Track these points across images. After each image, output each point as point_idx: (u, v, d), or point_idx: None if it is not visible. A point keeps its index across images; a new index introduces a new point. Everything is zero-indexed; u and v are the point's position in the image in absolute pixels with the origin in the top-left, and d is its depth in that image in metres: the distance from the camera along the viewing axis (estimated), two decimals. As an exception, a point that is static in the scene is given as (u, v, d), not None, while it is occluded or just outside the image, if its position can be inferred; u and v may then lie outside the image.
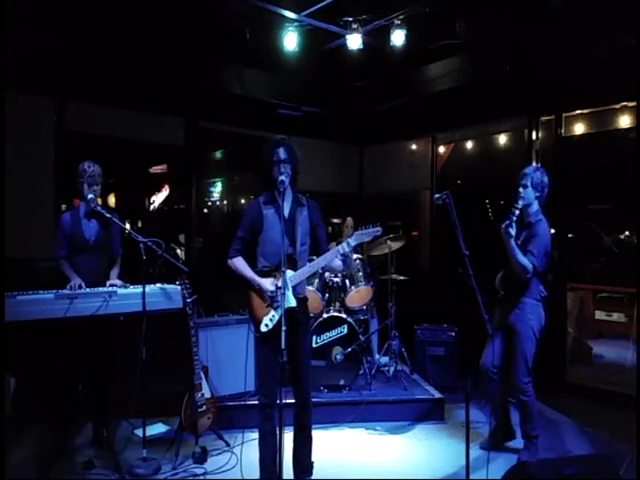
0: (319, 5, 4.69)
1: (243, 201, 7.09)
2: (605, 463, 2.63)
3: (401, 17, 4.86)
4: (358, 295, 4.86)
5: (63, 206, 4.78)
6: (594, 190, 5.26)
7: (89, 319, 3.31)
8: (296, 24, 5.02)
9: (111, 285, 3.61)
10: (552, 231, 3.53)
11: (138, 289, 3.41)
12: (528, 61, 4.93)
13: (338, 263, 3.12)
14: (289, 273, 2.96)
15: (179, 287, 3.65)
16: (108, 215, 3.61)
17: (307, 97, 6.22)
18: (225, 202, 6.79)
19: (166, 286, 3.65)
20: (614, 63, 4.28)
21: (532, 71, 4.97)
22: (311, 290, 4.60)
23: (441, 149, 6.44)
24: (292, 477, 3.15)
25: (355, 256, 4.95)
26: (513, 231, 3.31)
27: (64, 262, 3.67)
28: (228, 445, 3.83)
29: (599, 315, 5.85)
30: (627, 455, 3.04)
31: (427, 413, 4.41)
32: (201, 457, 3.58)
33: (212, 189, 6.61)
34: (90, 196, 3.59)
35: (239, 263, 3.09)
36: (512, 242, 3.33)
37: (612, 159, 5.08)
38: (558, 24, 4.57)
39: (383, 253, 5.22)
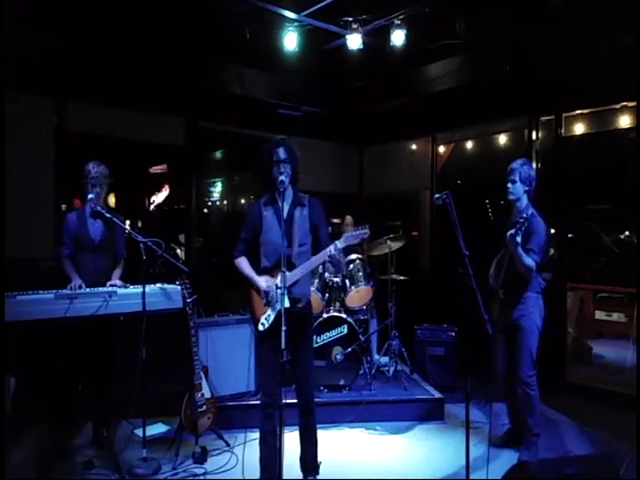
0: (319, 5, 4.69)
1: (243, 201, 7.09)
2: (605, 463, 2.62)
3: (401, 17, 4.86)
4: (358, 295, 4.86)
5: (63, 206, 4.78)
6: (594, 190, 5.26)
7: (89, 319, 3.31)
8: (296, 24, 5.02)
9: (111, 285, 3.61)
10: (544, 223, 3.53)
11: (138, 289, 3.41)
12: (528, 61, 4.93)
13: (344, 262, 3.12)
14: (287, 274, 2.93)
15: (179, 287, 3.66)
16: (108, 215, 3.62)
17: (307, 97, 6.22)
18: (225, 202, 6.79)
19: (166, 286, 3.65)
20: (614, 63, 4.28)
21: (532, 71, 4.97)
22: (311, 290, 4.59)
23: (441, 149, 6.44)
24: (292, 477, 3.15)
25: (355, 256, 4.96)
26: (519, 239, 3.32)
27: (67, 261, 3.68)
28: (228, 445, 3.83)
29: (599, 315, 5.85)
30: (627, 455, 3.04)
31: (427, 413, 4.41)
32: (201, 457, 3.58)
33: (212, 189, 6.61)
34: (90, 196, 3.61)
35: (242, 263, 3.14)
36: (519, 249, 3.35)
37: (612, 159, 5.08)
38: (558, 24, 4.57)
39: (383, 253, 5.22)
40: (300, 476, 3.22)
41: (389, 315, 5.05)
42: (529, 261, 3.40)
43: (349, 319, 4.63)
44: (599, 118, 5.01)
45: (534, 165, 5.29)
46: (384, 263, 5.21)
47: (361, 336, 4.62)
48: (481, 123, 5.85)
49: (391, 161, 6.87)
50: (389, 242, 5.06)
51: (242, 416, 4.14)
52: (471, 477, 2.83)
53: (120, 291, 3.48)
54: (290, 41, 5.08)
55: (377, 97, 6.37)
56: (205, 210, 6.44)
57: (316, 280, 4.77)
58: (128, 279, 3.74)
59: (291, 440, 3.53)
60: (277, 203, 3.02)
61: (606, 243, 5.67)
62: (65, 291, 3.39)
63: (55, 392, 3.66)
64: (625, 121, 4.79)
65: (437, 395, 4.52)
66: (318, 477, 3.21)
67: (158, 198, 5.97)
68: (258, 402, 4.14)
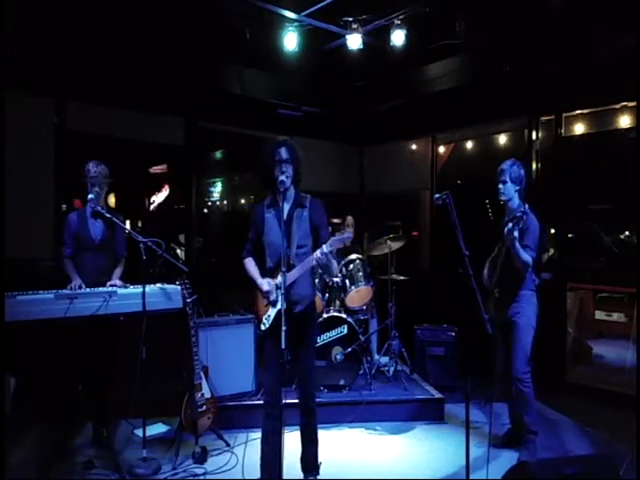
0: (319, 5, 4.68)
1: (243, 201, 7.09)
2: (605, 463, 2.62)
3: (401, 17, 4.86)
4: (358, 295, 4.86)
5: (63, 206, 4.78)
6: (594, 190, 5.26)
7: (89, 319, 3.31)
8: (296, 24, 5.02)
9: (111, 285, 3.61)
10: (537, 220, 3.51)
11: (138, 289, 3.41)
12: (528, 61, 4.93)
13: (336, 266, 3.13)
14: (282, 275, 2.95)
15: (179, 287, 3.66)
16: (108, 215, 3.62)
17: (307, 97, 6.22)
18: (225, 202, 6.79)
19: (166, 286, 3.65)
20: (614, 63, 4.28)
21: (532, 71, 4.97)
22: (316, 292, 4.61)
23: (441, 149, 6.44)
24: (292, 477, 3.15)
25: (355, 256, 4.96)
26: (517, 233, 3.34)
27: (68, 261, 3.69)
28: (228, 445, 3.83)
29: (599, 315, 5.85)
30: (627, 455, 3.04)
31: (427, 413, 4.41)
32: (201, 457, 3.58)
33: (212, 189, 6.61)
34: (90, 196, 3.61)
35: (248, 264, 3.16)
36: (517, 244, 3.37)
37: (612, 159, 5.08)
38: (558, 24, 4.57)
39: (383, 253, 5.22)
40: (300, 476, 3.23)
41: (389, 315, 5.05)
42: (526, 257, 3.41)
43: (349, 319, 4.63)
44: (599, 118, 5.02)
45: (534, 165, 5.30)
46: (384, 263, 5.21)
47: (361, 336, 4.62)
48: (481, 123, 5.85)
49: (391, 161, 6.87)
50: (389, 242, 5.06)
51: (242, 416, 4.14)
52: (471, 477, 2.83)
53: (120, 291, 3.48)
54: (290, 41, 5.07)
55: (377, 97, 6.37)
56: (205, 210, 6.43)
57: (316, 280, 4.77)
58: (128, 279, 3.74)
59: (291, 440, 3.53)
60: (278, 204, 3.01)
61: (606, 243, 5.67)
62: (65, 291, 3.39)
63: (55, 392, 3.66)
64: (625, 121, 4.79)
65: (437, 395, 4.52)
66: (318, 477, 3.21)
67: (158, 198, 5.97)
68: (258, 402, 4.19)
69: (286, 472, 2.73)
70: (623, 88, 4.36)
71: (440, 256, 6.25)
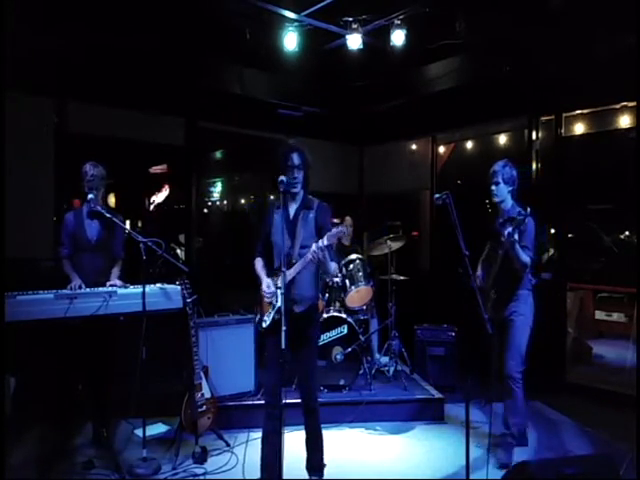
0: (319, 5, 4.68)
1: (243, 201, 7.10)
2: (605, 463, 2.62)
3: (401, 17, 4.86)
4: (358, 295, 4.86)
5: (63, 206, 4.77)
6: (594, 190, 5.26)
7: (89, 319, 3.31)
8: (296, 24, 5.02)
9: (111, 285, 3.61)
10: (533, 220, 3.48)
11: (138, 289, 3.41)
12: (528, 61, 4.93)
13: (334, 266, 3.13)
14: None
15: (179, 287, 3.65)
16: (108, 215, 3.62)
17: (307, 97, 6.22)
18: (225, 202, 6.79)
19: (166, 286, 3.65)
20: (614, 63, 4.28)
21: (532, 71, 4.97)
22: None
23: (441, 149, 6.44)
24: (292, 477, 3.16)
25: (355, 256, 4.96)
26: (516, 236, 3.33)
27: (66, 262, 3.69)
28: (228, 445, 3.83)
29: (599, 315, 5.85)
30: (627, 455, 3.04)
31: (427, 413, 4.41)
32: (201, 457, 3.58)
33: (212, 189, 6.61)
34: (90, 196, 3.61)
35: (257, 264, 3.20)
36: (517, 246, 3.36)
37: (612, 159, 5.08)
38: (558, 24, 4.57)
39: (383, 253, 5.22)
40: (300, 476, 3.23)
41: (389, 315, 5.05)
42: (525, 257, 3.41)
43: (349, 319, 4.63)
44: (599, 118, 5.02)
45: (534, 165, 5.30)
46: (384, 263, 5.21)
47: (361, 336, 4.62)
48: (481, 123, 5.85)
49: (391, 161, 6.87)
50: (389, 242, 5.06)
51: (242, 416, 4.14)
52: (471, 477, 2.83)
53: (120, 291, 3.48)
54: (290, 41, 5.07)
55: (377, 97, 6.37)
56: (205, 210, 6.44)
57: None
58: (128, 279, 3.74)
59: (292, 440, 3.54)
60: (286, 206, 3.09)
61: (606, 243, 5.67)
62: (65, 291, 3.39)
63: (55, 392, 3.66)
64: (625, 121, 4.79)
65: (437, 395, 4.52)
66: (313, 478, 3.21)
67: (158, 198, 5.97)
68: (258, 402, 4.20)
69: (286, 472, 2.73)
70: (623, 88, 4.36)
71: (440, 256, 6.25)
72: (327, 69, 5.97)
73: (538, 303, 3.65)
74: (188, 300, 3.68)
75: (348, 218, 5.45)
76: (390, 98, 6.29)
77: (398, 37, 4.95)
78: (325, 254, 2.91)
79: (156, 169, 6.00)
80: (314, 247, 2.87)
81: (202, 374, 3.74)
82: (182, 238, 5.79)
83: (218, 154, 6.65)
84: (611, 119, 4.91)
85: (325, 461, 3.23)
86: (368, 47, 5.19)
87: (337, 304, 4.86)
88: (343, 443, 3.97)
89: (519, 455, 3.54)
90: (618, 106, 4.79)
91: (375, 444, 4.00)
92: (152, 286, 3.56)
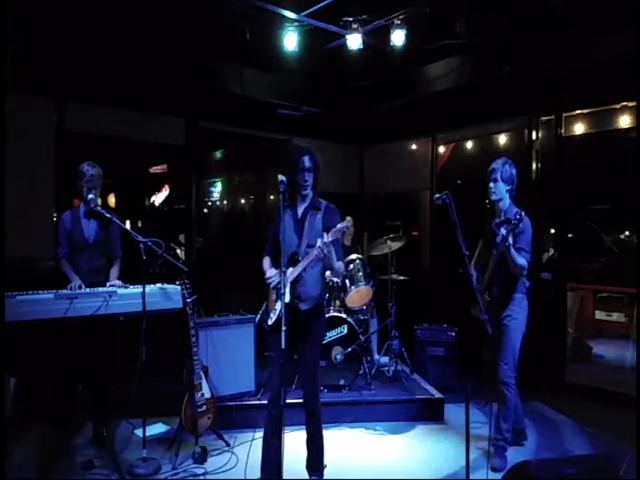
0: (319, 5, 4.68)
1: (243, 201, 7.10)
2: (605, 463, 2.62)
3: (401, 17, 4.86)
4: (358, 295, 4.86)
5: (63, 206, 4.77)
6: (594, 190, 5.26)
7: (89, 319, 3.31)
8: (296, 24, 5.02)
9: (111, 285, 3.61)
10: (530, 221, 3.45)
11: (138, 289, 3.41)
12: (528, 61, 4.93)
13: (340, 265, 3.14)
14: (289, 270, 3.04)
15: (179, 287, 3.66)
16: (108, 215, 3.62)
17: (307, 97, 6.21)
18: (225, 202, 6.79)
19: (166, 286, 3.65)
20: (614, 63, 4.28)
21: (532, 71, 4.97)
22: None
23: (441, 149, 6.44)
24: (293, 477, 3.16)
25: (355, 256, 4.96)
26: (511, 239, 3.29)
27: (65, 262, 3.68)
28: (228, 445, 3.83)
29: (599, 315, 5.85)
30: (627, 455, 3.04)
31: (427, 413, 4.41)
32: (201, 457, 3.58)
33: (212, 189, 6.61)
34: (90, 196, 3.61)
35: (264, 262, 3.24)
36: (512, 250, 3.32)
37: (612, 159, 5.08)
38: (558, 24, 4.56)
39: (383, 253, 5.22)
40: (300, 476, 3.23)
41: (389, 315, 5.05)
42: (521, 260, 3.36)
43: (349, 319, 4.63)
44: (599, 118, 5.01)
45: (534, 165, 5.30)
46: (384, 263, 5.21)
47: (361, 336, 4.62)
48: (481, 123, 5.85)
49: (391, 161, 6.87)
50: (389, 242, 5.06)
51: (242, 416, 4.14)
52: (471, 477, 2.83)
53: (120, 291, 3.48)
54: (290, 41, 5.07)
55: (377, 97, 6.37)
56: (205, 210, 6.44)
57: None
58: (128, 279, 3.73)
59: (292, 440, 3.54)
60: (295, 206, 3.17)
61: (606, 243, 5.67)
62: (65, 291, 3.39)
63: (55, 392, 3.66)
64: (625, 121, 4.79)
65: (437, 395, 4.52)
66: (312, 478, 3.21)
67: (158, 198, 5.97)
68: (258, 402, 4.20)
69: (286, 472, 2.73)
70: (623, 88, 4.35)
71: (440, 256, 6.25)
72: (327, 69, 5.97)
73: (538, 303, 3.64)
74: (188, 300, 3.68)
75: (348, 218, 5.43)
76: (390, 98, 6.29)
77: (398, 37, 4.95)
78: (330, 250, 2.94)
79: (156, 169, 6.00)
80: (319, 243, 2.90)
81: (202, 374, 3.74)
82: (182, 238, 5.79)
83: (218, 154, 6.65)
84: (611, 119, 4.91)
85: (325, 461, 3.24)
86: (368, 47, 5.18)
87: (337, 304, 4.86)
88: (343, 443, 3.97)
89: (519, 455, 3.55)
90: (618, 106, 4.79)
91: (375, 444, 4.00)
92: (152, 286, 3.56)
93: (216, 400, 3.87)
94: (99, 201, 3.80)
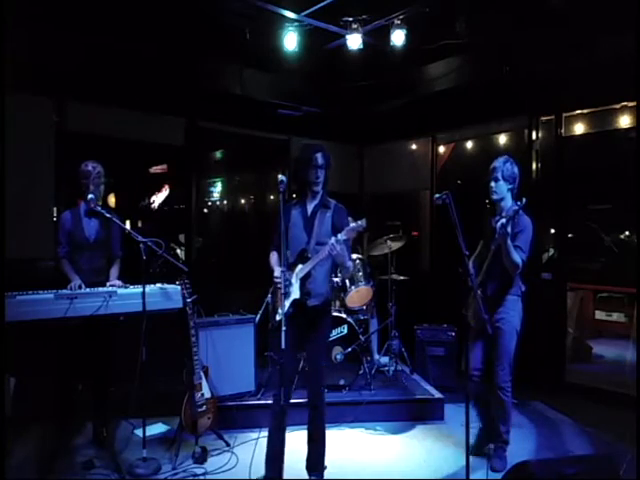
0: (319, 5, 4.68)
1: (243, 201, 7.10)
2: (605, 463, 2.62)
3: (401, 17, 4.86)
4: (358, 295, 4.86)
5: (63, 206, 4.77)
6: (594, 190, 5.26)
7: (89, 319, 3.31)
8: (296, 24, 5.02)
9: (111, 285, 3.61)
10: (531, 221, 3.41)
11: (138, 289, 3.41)
12: (528, 61, 4.93)
13: (349, 262, 3.16)
14: (298, 267, 3.09)
15: (179, 287, 3.66)
16: (108, 215, 3.62)
17: (307, 97, 6.22)
18: (225, 202, 6.80)
19: (166, 286, 3.65)
20: (614, 63, 4.28)
21: (532, 71, 4.97)
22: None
23: (441, 149, 6.44)
24: (293, 477, 3.16)
25: (355, 256, 4.95)
26: (510, 229, 3.25)
27: (65, 261, 3.68)
28: (228, 445, 3.83)
29: (599, 315, 5.85)
30: (627, 455, 3.04)
31: (427, 413, 4.41)
32: (201, 457, 3.58)
33: (212, 189, 6.61)
34: (90, 196, 3.60)
35: (272, 257, 3.27)
36: (509, 241, 3.25)
37: (612, 159, 5.08)
38: (558, 24, 4.57)
39: (383, 253, 5.22)
40: (300, 475, 3.23)
41: (389, 315, 5.05)
42: (517, 258, 3.28)
43: (349, 319, 4.63)
44: (599, 118, 5.01)
45: (534, 165, 5.30)
46: (384, 263, 5.21)
47: (361, 336, 4.62)
48: (481, 123, 5.85)
49: (391, 161, 6.87)
50: (389, 242, 5.06)
51: (242, 416, 4.15)
52: (471, 477, 2.84)
53: (120, 291, 3.48)
54: (290, 41, 5.07)
55: (377, 97, 6.37)
56: (205, 210, 6.44)
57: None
58: (128, 279, 3.73)
59: (293, 440, 3.54)
60: (304, 203, 3.21)
61: (606, 243, 5.67)
62: (65, 291, 3.39)
63: (55, 392, 3.66)
64: (625, 121, 4.79)
65: (437, 395, 4.52)
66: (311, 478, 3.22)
67: (158, 198, 5.98)
68: (258, 402, 4.20)
69: (286, 472, 2.73)
70: (623, 88, 4.35)
71: (440, 256, 6.25)
72: (327, 69, 5.97)
73: (538, 303, 3.63)
74: (188, 300, 3.68)
75: (349, 218, 5.44)
76: (390, 98, 6.29)
77: (398, 37, 4.95)
78: (343, 248, 2.98)
79: (156, 169, 6.00)
80: (332, 240, 2.94)
81: (202, 374, 3.74)
82: (182, 238, 5.80)
83: (218, 154, 6.65)
84: (611, 119, 4.91)
85: (325, 461, 3.24)
86: (368, 47, 5.19)
87: (337, 304, 4.86)
88: (343, 443, 3.97)
89: (519, 455, 3.54)
90: (618, 106, 4.79)
91: (375, 444, 4.00)
92: (152, 286, 3.56)
93: (216, 400, 3.87)
94: (100, 201, 3.79)
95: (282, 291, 2.91)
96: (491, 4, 4.72)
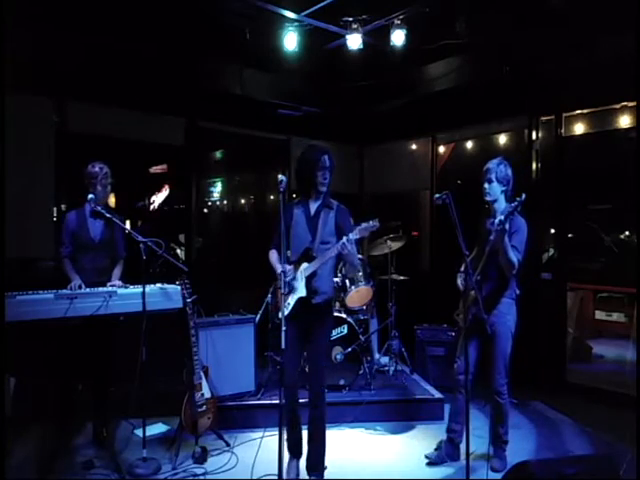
0: (319, 5, 4.68)
1: (243, 201, 7.10)
2: (605, 463, 2.62)
3: (401, 17, 4.86)
4: (358, 295, 4.86)
5: (63, 206, 4.78)
6: (594, 190, 5.26)
7: (89, 319, 3.31)
8: (296, 24, 5.02)
9: (111, 285, 3.61)
10: (525, 222, 3.39)
11: (138, 289, 3.41)
12: (528, 61, 4.93)
13: (358, 261, 3.21)
14: (304, 265, 3.12)
15: (179, 287, 3.66)
16: (108, 215, 3.63)
17: (307, 97, 6.22)
18: (225, 202, 6.80)
19: (166, 286, 3.65)
20: (614, 63, 4.28)
21: (532, 71, 4.97)
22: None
23: (441, 149, 6.44)
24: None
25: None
26: (507, 226, 3.21)
27: (67, 261, 3.68)
28: (228, 445, 3.83)
29: (599, 315, 5.85)
30: (627, 455, 3.04)
31: (427, 413, 4.41)
32: (201, 457, 3.58)
33: (212, 189, 6.61)
34: (90, 196, 3.61)
35: (271, 255, 3.32)
36: (507, 238, 3.23)
37: (612, 159, 5.08)
38: (558, 24, 4.57)
39: (383, 253, 5.22)
40: (300, 475, 3.23)
41: (389, 315, 5.05)
42: (513, 257, 3.26)
43: (349, 319, 4.63)
44: (599, 118, 5.01)
45: (534, 165, 5.30)
46: (384, 263, 5.21)
47: (361, 336, 4.62)
48: (481, 123, 5.85)
49: (391, 161, 6.87)
50: (389, 242, 5.06)
51: (242, 416, 4.14)
52: (471, 477, 2.84)
53: (120, 291, 3.48)
54: (290, 41, 5.07)
55: (377, 97, 6.37)
56: (205, 210, 6.44)
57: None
58: (128, 279, 3.74)
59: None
60: (307, 203, 3.25)
61: (606, 243, 5.67)
62: (65, 291, 3.39)
63: (55, 392, 3.66)
64: (625, 121, 4.78)
65: (437, 395, 4.52)
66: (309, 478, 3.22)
67: (158, 198, 5.97)
68: (258, 402, 4.20)
69: (287, 472, 2.73)
70: (623, 88, 4.35)
71: (440, 256, 6.25)
72: (327, 69, 5.97)
73: (538, 303, 3.63)
74: (188, 300, 3.68)
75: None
76: (390, 98, 6.29)
77: (398, 37, 4.95)
78: (353, 247, 3.01)
79: (156, 169, 6.00)
80: (344, 239, 2.97)
81: (202, 374, 3.74)
82: (182, 238, 5.80)
83: (218, 154, 6.65)
84: (611, 119, 4.90)
85: (325, 461, 3.24)
86: (368, 47, 5.19)
87: (337, 304, 4.86)
88: (343, 443, 3.97)
89: (519, 455, 3.54)
90: (618, 106, 4.79)
91: (375, 444, 4.00)
92: (152, 286, 3.56)
93: (216, 400, 3.87)
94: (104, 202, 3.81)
95: (283, 291, 2.92)
96: (491, 4, 4.72)
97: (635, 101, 4.47)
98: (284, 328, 2.73)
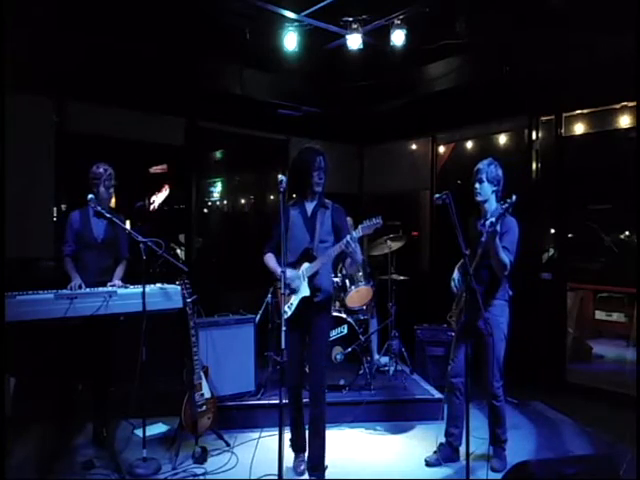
0: (319, 5, 4.68)
1: (243, 201, 7.10)
2: (605, 463, 2.62)
3: (401, 17, 4.86)
4: (358, 295, 4.86)
5: (63, 206, 4.78)
6: (594, 190, 5.26)
7: (89, 319, 3.30)
8: (296, 24, 5.02)
9: (111, 285, 3.61)
10: (516, 223, 3.38)
11: (138, 289, 3.41)
12: (528, 61, 4.93)
13: (360, 259, 3.24)
14: (305, 265, 3.16)
15: (179, 287, 3.66)
16: (108, 215, 3.63)
17: (307, 97, 6.22)
18: (225, 202, 6.80)
19: (166, 286, 3.65)
20: (614, 63, 4.28)
21: (532, 71, 4.97)
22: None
23: (441, 149, 6.44)
24: (294, 477, 3.17)
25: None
26: (499, 228, 3.20)
27: (69, 259, 3.69)
28: (228, 445, 3.83)
29: (599, 315, 5.84)
30: (627, 455, 3.04)
31: (427, 413, 4.41)
32: (201, 457, 3.58)
33: (212, 189, 6.61)
34: (90, 196, 3.61)
35: (268, 258, 3.33)
36: (497, 240, 3.21)
37: (612, 159, 5.08)
38: (558, 24, 4.57)
39: (383, 253, 5.22)
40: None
41: (389, 315, 5.04)
42: (505, 258, 3.24)
43: (349, 319, 4.63)
44: (599, 118, 5.01)
45: (534, 165, 5.30)
46: (384, 263, 5.21)
47: (361, 336, 4.62)
48: (481, 123, 5.85)
49: (391, 161, 6.87)
50: (389, 242, 5.06)
51: (242, 416, 4.14)
52: (471, 477, 2.83)
53: (120, 291, 3.48)
54: (290, 41, 5.07)
55: (377, 97, 6.37)
56: (205, 210, 6.44)
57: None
58: (128, 279, 3.74)
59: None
60: (303, 204, 3.28)
61: (606, 243, 5.67)
62: (65, 291, 3.39)
63: (55, 392, 3.66)
64: (625, 121, 4.79)
65: (437, 395, 4.52)
66: (308, 478, 3.24)
67: (158, 198, 5.97)
68: (258, 402, 4.20)
69: (287, 472, 2.73)
70: (623, 88, 4.35)
71: (440, 256, 6.25)
72: (327, 69, 5.97)
73: (538, 303, 3.62)
74: (188, 300, 3.68)
75: (349, 218, 5.43)
76: (390, 98, 6.29)
77: (398, 37, 4.95)
78: (357, 244, 3.05)
79: (156, 169, 6.00)
80: (348, 237, 3.01)
81: (202, 374, 3.74)
82: (182, 238, 5.80)
83: (218, 154, 6.65)
84: (611, 119, 4.91)
85: (326, 462, 3.24)
86: (368, 47, 5.18)
87: (337, 304, 4.86)
88: (343, 443, 3.97)
89: (519, 455, 3.54)
90: (618, 106, 4.79)
91: (375, 444, 4.00)
92: (152, 286, 3.56)
93: (216, 400, 3.87)
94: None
95: (284, 292, 2.93)
96: (491, 4, 4.72)
97: (635, 101, 4.47)
98: (284, 328, 2.74)
